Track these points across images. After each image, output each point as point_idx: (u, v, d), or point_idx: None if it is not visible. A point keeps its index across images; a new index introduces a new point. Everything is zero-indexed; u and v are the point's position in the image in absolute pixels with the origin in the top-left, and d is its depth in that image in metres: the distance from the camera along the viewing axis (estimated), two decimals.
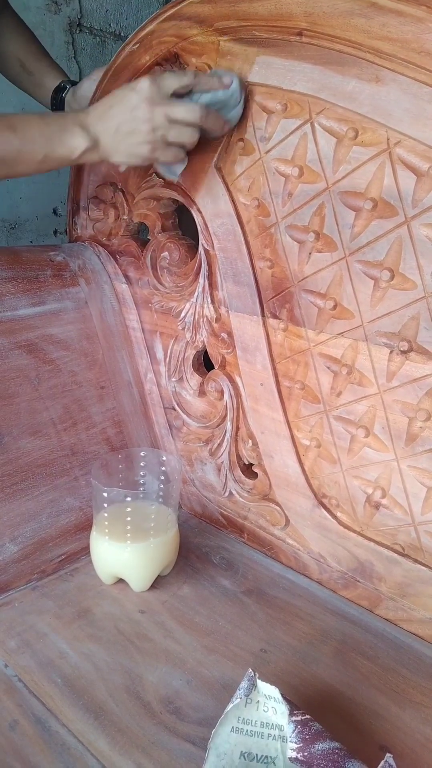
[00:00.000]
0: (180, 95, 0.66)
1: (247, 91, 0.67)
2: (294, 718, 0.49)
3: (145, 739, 0.54)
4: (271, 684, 0.50)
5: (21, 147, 0.64)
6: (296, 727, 0.49)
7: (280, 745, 0.49)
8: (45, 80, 0.93)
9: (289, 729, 0.49)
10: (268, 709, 0.50)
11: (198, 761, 0.51)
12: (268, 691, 0.50)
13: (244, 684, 0.51)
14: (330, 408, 0.71)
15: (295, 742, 0.48)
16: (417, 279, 0.60)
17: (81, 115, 0.66)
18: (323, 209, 0.65)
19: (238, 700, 0.50)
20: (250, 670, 0.51)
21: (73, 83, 0.92)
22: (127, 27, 1.46)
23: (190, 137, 0.67)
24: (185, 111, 0.65)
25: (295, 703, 0.51)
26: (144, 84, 0.64)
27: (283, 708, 0.50)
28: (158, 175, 0.80)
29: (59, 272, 0.87)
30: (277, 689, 0.50)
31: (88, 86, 0.87)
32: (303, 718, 0.50)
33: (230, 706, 0.50)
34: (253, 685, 0.50)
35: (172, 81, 0.65)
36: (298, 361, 0.72)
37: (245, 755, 0.49)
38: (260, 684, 0.50)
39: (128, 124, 0.65)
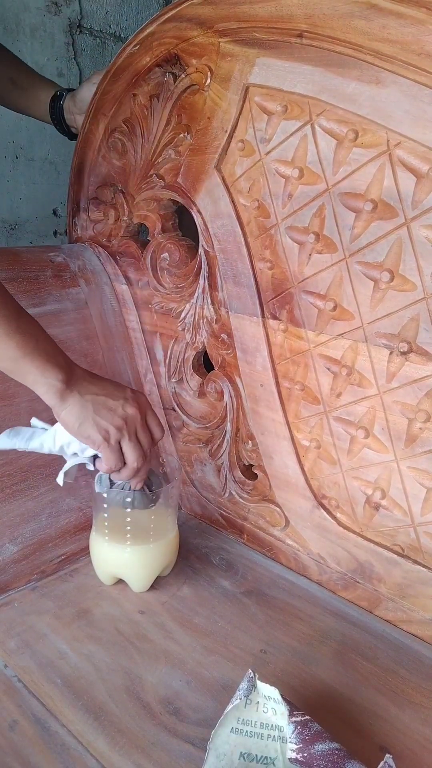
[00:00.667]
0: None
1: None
2: (294, 719, 0.49)
3: (145, 740, 0.54)
4: (271, 685, 0.50)
5: None
6: (296, 727, 0.49)
7: (280, 746, 0.49)
8: (39, 93, 0.94)
9: (288, 730, 0.49)
10: (268, 710, 0.50)
11: (197, 762, 0.51)
12: (267, 691, 0.50)
13: (243, 685, 0.51)
14: (330, 409, 0.71)
15: (295, 743, 0.48)
16: (417, 280, 0.60)
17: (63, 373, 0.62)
18: (323, 210, 0.65)
19: (238, 700, 0.50)
20: (250, 671, 0.51)
21: (69, 90, 0.93)
22: (127, 28, 1.46)
23: (151, 441, 0.68)
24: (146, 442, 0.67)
25: (294, 704, 0.51)
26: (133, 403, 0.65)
27: (282, 709, 0.50)
28: None
29: (59, 273, 0.87)
30: (276, 690, 0.50)
31: (87, 89, 0.87)
32: (303, 718, 0.50)
33: (230, 706, 0.50)
34: (252, 686, 0.50)
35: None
36: (298, 362, 0.72)
37: (245, 756, 0.49)
38: (260, 685, 0.50)
39: (107, 401, 0.64)
